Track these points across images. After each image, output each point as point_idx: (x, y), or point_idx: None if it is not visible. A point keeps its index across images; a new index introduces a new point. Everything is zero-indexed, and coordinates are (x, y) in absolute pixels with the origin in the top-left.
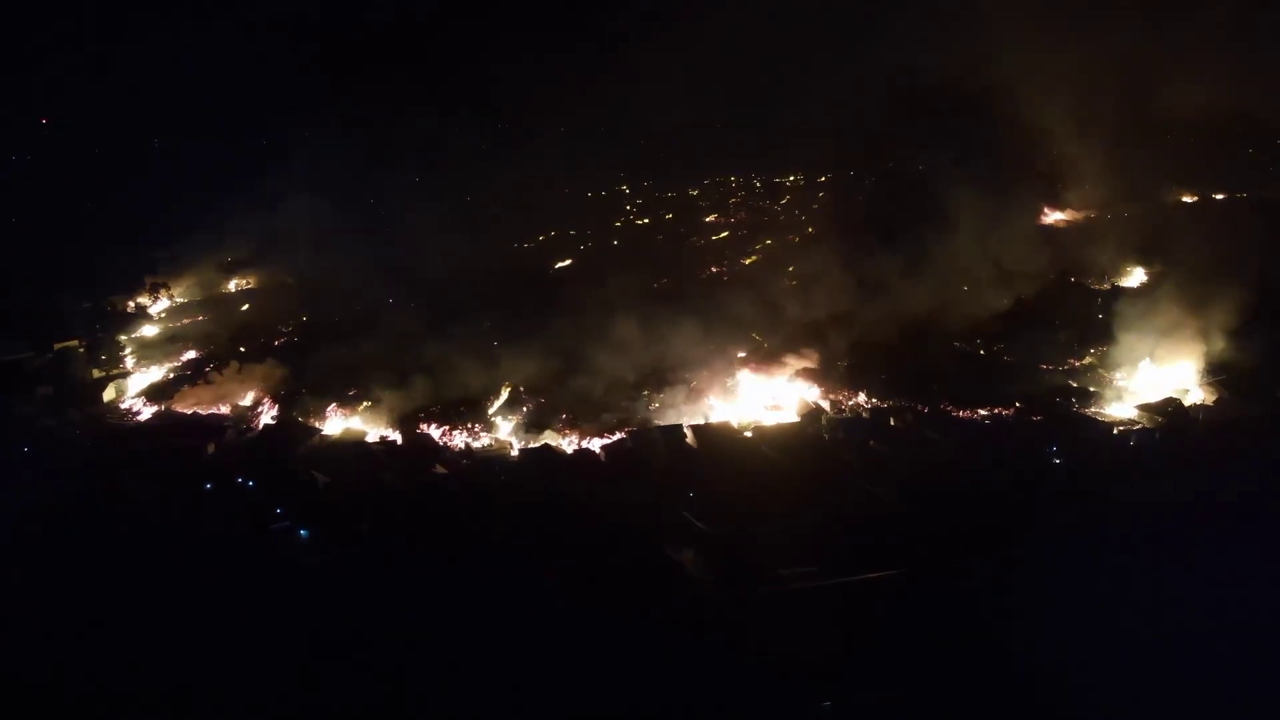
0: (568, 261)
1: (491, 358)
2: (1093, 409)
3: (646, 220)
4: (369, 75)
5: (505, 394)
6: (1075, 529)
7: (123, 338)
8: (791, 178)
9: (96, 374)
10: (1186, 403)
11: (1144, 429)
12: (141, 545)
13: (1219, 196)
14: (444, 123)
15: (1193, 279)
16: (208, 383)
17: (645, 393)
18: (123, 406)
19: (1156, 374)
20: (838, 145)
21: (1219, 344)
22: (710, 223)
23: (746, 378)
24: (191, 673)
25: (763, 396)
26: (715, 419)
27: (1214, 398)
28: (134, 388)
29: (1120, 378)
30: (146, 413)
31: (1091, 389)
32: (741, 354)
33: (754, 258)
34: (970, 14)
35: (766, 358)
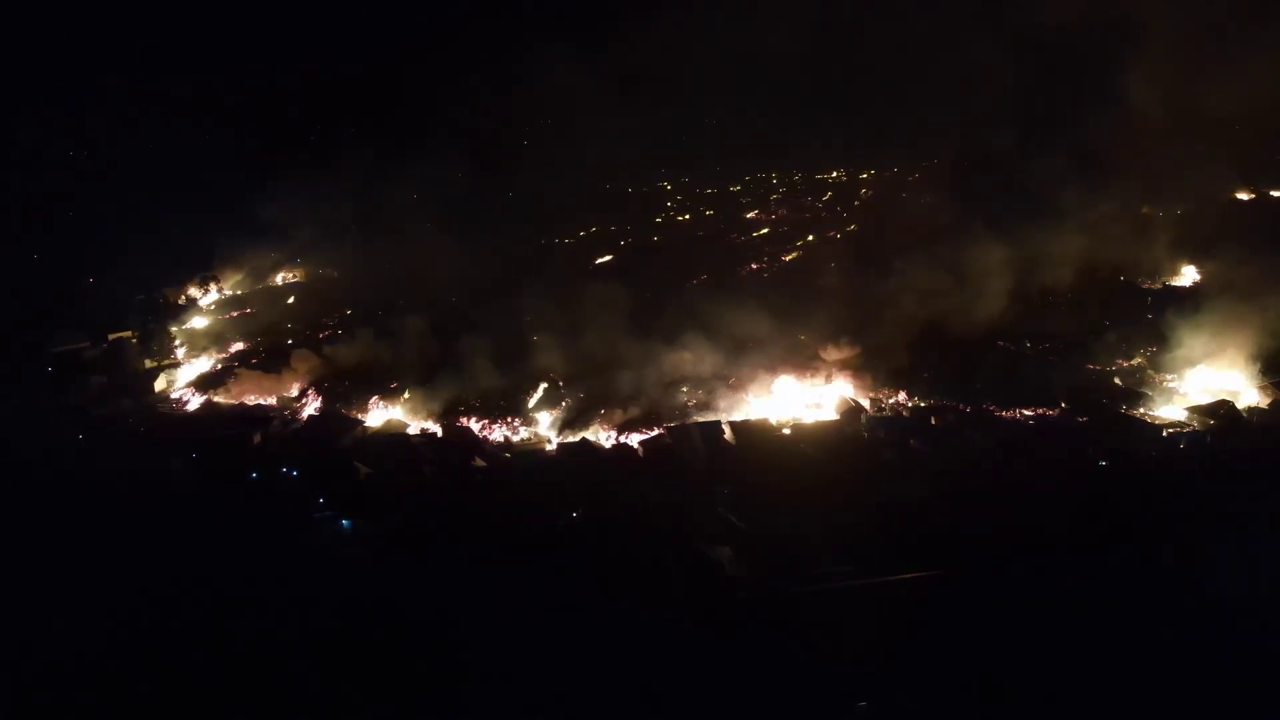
0: (608, 257)
1: (531, 352)
2: (1141, 410)
3: (687, 216)
4: (413, 70)
5: (543, 388)
6: (1120, 533)
7: (174, 329)
8: (834, 174)
9: (149, 364)
10: (1239, 405)
11: (1194, 432)
12: (189, 532)
13: (1277, 194)
14: (486, 118)
15: (1247, 278)
16: (255, 374)
17: (684, 389)
18: (173, 396)
19: (1208, 375)
20: (881, 141)
21: (1273, 344)
22: (751, 219)
23: (786, 375)
24: (231, 658)
25: (802, 394)
26: (754, 416)
27: (1268, 400)
28: (184, 378)
29: (1170, 379)
30: (196, 402)
31: (1140, 390)
32: (781, 350)
33: (795, 254)
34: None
35: (806, 355)
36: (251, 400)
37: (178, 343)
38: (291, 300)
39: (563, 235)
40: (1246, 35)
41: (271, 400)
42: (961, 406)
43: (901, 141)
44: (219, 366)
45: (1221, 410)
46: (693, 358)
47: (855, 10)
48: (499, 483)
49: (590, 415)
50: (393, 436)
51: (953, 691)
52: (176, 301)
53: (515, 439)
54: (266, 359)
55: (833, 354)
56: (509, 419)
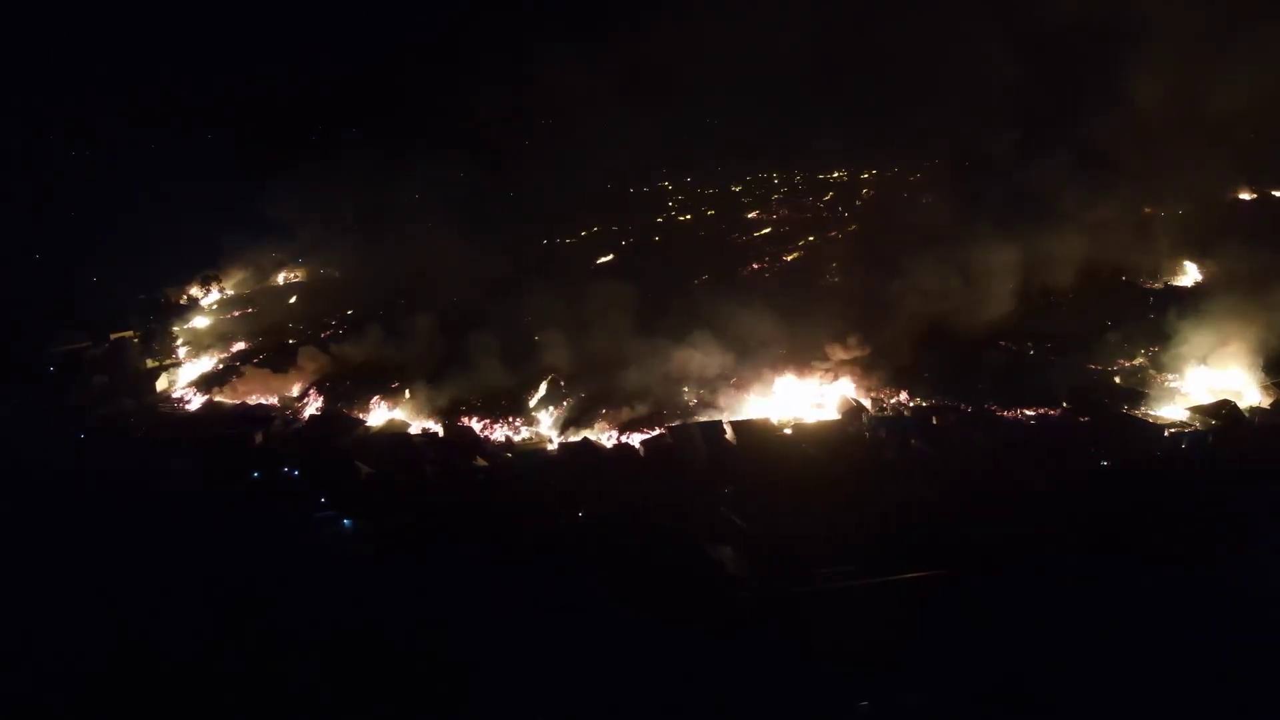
0: (609, 257)
1: (532, 352)
2: (1143, 410)
3: (688, 216)
4: (415, 69)
5: (544, 388)
6: (1121, 533)
7: (175, 329)
8: (835, 174)
9: (150, 364)
10: (1241, 405)
11: (1196, 432)
12: (190, 532)
13: (1279, 193)
14: (487, 117)
15: (1249, 277)
16: (261, 372)
17: (685, 388)
18: (175, 396)
19: (1210, 375)
20: (883, 141)
21: (1276, 343)
22: (753, 219)
23: (787, 374)
24: (232, 658)
25: (803, 393)
26: (755, 415)
27: (1271, 400)
28: (185, 378)
29: (1172, 379)
30: (197, 402)
31: (1142, 390)
32: (782, 350)
33: (796, 254)
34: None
35: (808, 354)
36: (253, 400)
37: (179, 342)
38: (294, 300)
39: (564, 235)
40: (1249, 34)
41: (273, 400)
42: (963, 406)
43: (903, 141)
44: (220, 366)
45: (1224, 410)
46: (699, 356)
47: (857, 10)
48: (500, 482)
49: (592, 415)
50: (394, 436)
51: (954, 692)
52: (178, 301)
53: (517, 439)
54: (269, 358)
55: (835, 353)
56: (510, 418)
